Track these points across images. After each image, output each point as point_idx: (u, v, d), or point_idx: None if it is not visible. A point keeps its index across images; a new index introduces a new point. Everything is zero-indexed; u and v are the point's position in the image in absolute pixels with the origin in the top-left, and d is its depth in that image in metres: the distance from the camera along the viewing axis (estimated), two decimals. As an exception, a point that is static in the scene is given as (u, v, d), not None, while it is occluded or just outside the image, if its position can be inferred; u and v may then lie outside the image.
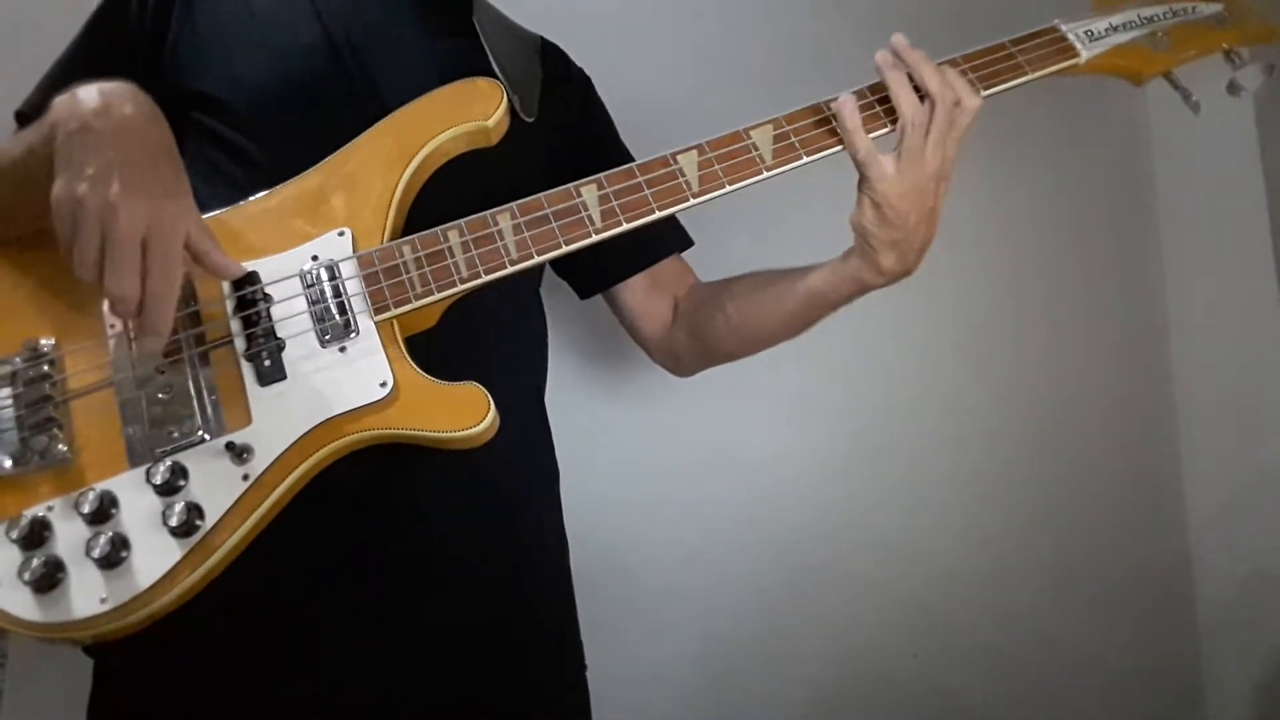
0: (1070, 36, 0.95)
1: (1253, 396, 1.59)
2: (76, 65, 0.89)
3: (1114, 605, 1.61)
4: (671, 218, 1.08)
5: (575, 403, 1.44)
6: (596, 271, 1.10)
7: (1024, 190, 1.64)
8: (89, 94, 0.72)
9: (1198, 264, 1.68)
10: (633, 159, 0.91)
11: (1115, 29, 0.96)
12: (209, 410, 0.75)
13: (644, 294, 1.10)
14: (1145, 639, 1.63)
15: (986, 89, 0.91)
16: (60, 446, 0.73)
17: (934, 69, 0.86)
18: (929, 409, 1.58)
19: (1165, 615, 1.65)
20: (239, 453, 0.73)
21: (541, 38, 1.10)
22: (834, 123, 0.88)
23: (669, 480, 1.49)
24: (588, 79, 1.12)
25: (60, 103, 0.72)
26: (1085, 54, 0.94)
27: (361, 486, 0.82)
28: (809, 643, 1.50)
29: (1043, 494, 1.60)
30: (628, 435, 1.49)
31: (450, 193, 0.86)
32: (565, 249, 0.84)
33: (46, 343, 0.78)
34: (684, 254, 1.12)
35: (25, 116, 0.89)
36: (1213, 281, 1.66)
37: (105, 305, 0.78)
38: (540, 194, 0.85)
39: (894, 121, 0.87)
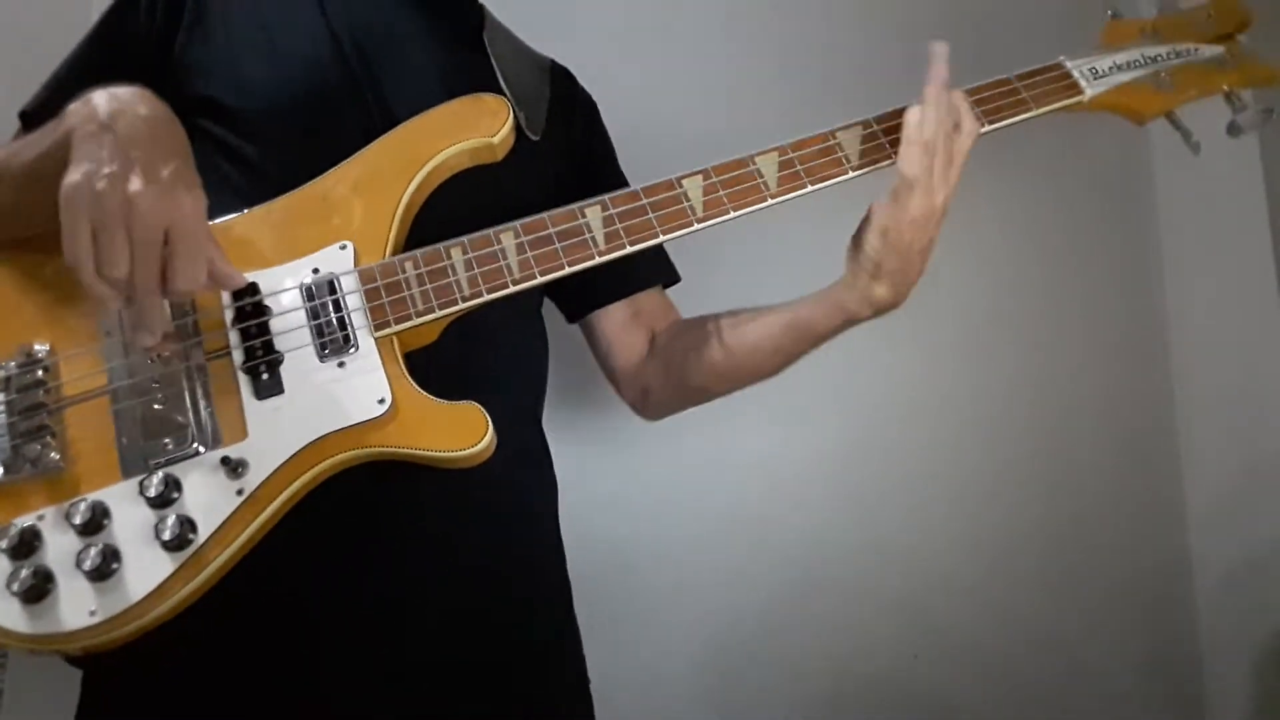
0: (1075, 73, 0.96)
1: (1253, 396, 1.58)
2: (84, 67, 0.88)
3: (1114, 606, 1.60)
4: (661, 251, 1.08)
5: (576, 406, 1.43)
6: (581, 294, 1.08)
7: (1024, 190, 1.64)
8: (103, 98, 0.71)
9: (1198, 264, 1.67)
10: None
11: (1120, 67, 0.97)
12: (204, 422, 0.75)
13: (622, 325, 1.09)
14: (1145, 640, 1.62)
15: (990, 123, 0.92)
16: (53, 455, 0.72)
17: (938, 90, 0.86)
18: (928, 411, 1.58)
19: (1165, 616, 1.64)
20: (234, 467, 0.73)
21: (552, 60, 1.10)
22: (840, 152, 0.88)
23: (669, 484, 1.49)
24: (594, 103, 1.12)
25: (75, 108, 0.71)
26: (1089, 91, 0.95)
27: (362, 491, 0.80)
28: (809, 644, 1.50)
29: (1043, 494, 1.60)
30: (628, 439, 1.47)
31: (453, 209, 0.86)
32: (568, 269, 0.83)
33: (41, 348, 0.77)
34: (669, 292, 1.12)
35: (30, 116, 0.89)
36: (1213, 281, 1.65)
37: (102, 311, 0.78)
38: (544, 214, 0.85)
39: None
